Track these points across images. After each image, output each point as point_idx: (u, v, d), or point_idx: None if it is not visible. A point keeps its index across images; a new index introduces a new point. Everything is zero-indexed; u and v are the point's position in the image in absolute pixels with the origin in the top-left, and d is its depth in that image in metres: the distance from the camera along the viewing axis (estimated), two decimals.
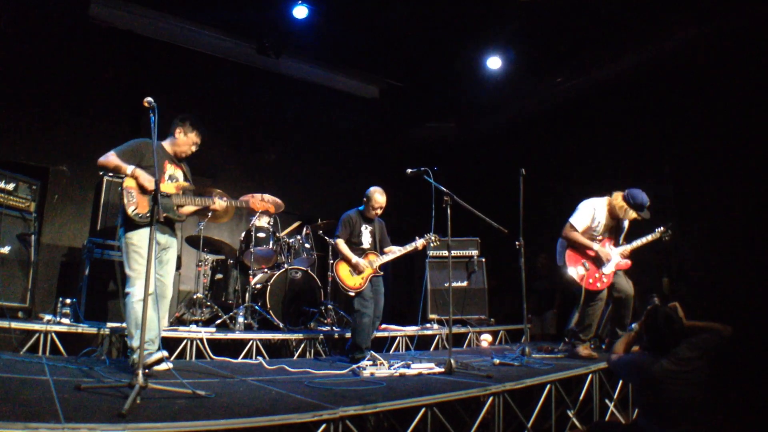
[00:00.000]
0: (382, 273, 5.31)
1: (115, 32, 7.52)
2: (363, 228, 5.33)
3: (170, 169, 4.21)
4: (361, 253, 5.25)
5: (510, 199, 5.41)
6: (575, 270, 5.07)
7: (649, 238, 5.16)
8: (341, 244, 5.26)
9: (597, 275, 5.03)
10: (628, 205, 4.97)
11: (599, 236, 5.14)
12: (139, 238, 3.92)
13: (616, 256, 5.09)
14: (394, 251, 5.35)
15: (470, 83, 9.10)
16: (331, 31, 8.11)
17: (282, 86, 9.03)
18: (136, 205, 3.89)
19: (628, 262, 5.13)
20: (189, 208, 4.33)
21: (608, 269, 5.05)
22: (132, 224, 3.92)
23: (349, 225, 5.32)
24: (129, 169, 3.90)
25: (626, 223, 5.27)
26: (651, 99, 7.33)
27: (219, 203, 4.32)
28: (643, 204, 4.97)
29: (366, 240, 5.33)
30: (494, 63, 8.56)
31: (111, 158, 3.93)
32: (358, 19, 7.86)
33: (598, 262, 5.06)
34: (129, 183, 3.92)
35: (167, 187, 4.12)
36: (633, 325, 3.79)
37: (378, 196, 5.26)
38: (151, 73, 7.70)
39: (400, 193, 7.16)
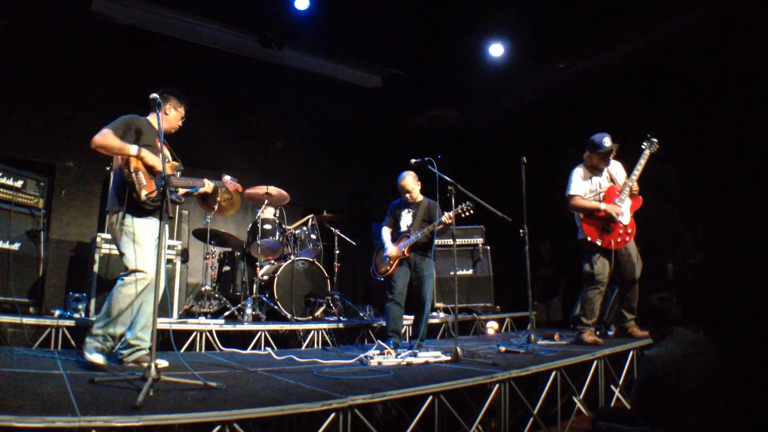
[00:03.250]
0: (407, 255, 5.25)
1: (117, 27, 7.57)
2: (404, 212, 5.46)
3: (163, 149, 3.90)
4: (398, 236, 5.40)
5: (514, 186, 5.43)
6: (598, 240, 5.02)
7: (642, 162, 5.05)
8: (384, 231, 5.52)
9: (621, 231, 4.99)
10: (595, 145, 5.06)
11: (602, 193, 5.11)
12: (140, 226, 3.65)
13: (625, 203, 5.02)
14: (425, 232, 5.18)
15: (473, 71, 9.08)
16: (333, 21, 8.10)
17: (285, 78, 9.04)
18: (145, 187, 3.62)
19: (639, 198, 5.07)
20: (182, 190, 4.06)
21: (626, 219, 5.01)
22: (139, 209, 3.66)
23: (391, 212, 5.57)
24: (134, 149, 3.63)
25: (610, 171, 5.21)
26: (654, 84, 7.28)
27: (208, 184, 4.05)
28: (601, 137, 5.06)
29: (404, 223, 5.43)
30: (496, 50, 8.53)
31: (110, 139, 3.59)
32: (360, 9, 7.83)
33: (612, 218, 4.99)
34: (136, 164, 3.64)
35: (168, 168, 3.74)
36: None
37: (399, 182, 5.41)
38: (155, 68, 7.73)
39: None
